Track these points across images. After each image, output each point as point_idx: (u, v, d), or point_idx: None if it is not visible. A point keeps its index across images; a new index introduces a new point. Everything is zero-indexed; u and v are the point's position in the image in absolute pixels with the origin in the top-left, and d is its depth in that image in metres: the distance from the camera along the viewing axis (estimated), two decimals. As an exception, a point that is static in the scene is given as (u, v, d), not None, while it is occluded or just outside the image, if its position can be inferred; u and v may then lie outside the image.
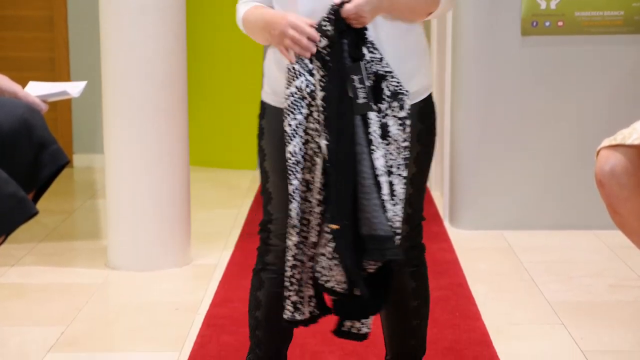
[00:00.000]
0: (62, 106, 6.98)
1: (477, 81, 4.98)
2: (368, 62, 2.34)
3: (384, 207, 2.32)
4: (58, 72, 6.95)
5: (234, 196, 6.04)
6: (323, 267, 2.37)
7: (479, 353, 3.26)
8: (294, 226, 2.39)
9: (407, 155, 2.39)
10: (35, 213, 2.02)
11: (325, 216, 2.36)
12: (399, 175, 2.38)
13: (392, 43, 2.41)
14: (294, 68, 2.34)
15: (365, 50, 2.33)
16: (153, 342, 3.43)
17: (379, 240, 2.31)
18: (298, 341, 3.09)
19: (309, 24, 2.34)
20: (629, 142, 2.27)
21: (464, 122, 5.04)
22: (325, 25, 2.31)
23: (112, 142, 4.32)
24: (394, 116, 2.37)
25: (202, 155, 7.04)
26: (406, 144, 2.38)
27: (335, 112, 2.31)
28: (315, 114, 2.33)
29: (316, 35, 2.33)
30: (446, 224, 5.18)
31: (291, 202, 2.37)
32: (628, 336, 3.46)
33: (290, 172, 2.36)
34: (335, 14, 2.31)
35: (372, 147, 2.33)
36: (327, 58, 2.31)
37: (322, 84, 2.32)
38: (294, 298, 2.45)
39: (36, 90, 2.27)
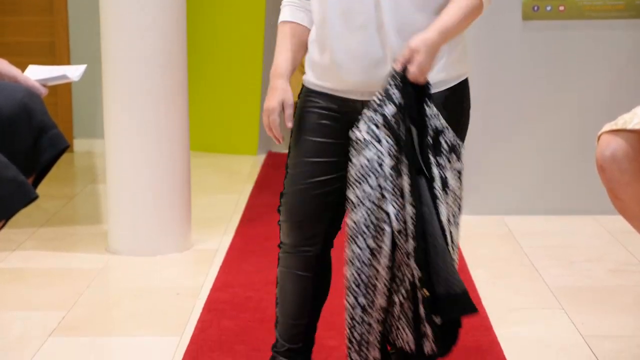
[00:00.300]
0: (62, 90, 6.96)
1: (478, 66, 4.96)
2: (428, 118, 2.37)
3: (454, 267, 2.38)
4: (58, 56, 6.94)
5: (234, 181, 6.03)
6: (392, 329, 2.46)
7: (479, 338, 3.27)
8: (350, 288, 2.43)
9: (461, 204, 2.48)
10: (35, 197, 2.02)
11: (402, 280, 2.40)
12: (456, 223, 2.48)
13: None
14: (363, 139, 2.35)
15: (427, 108, 2.37)
16: (154, 327, 3.43)
17: (458, 298, 2.36)
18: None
19: (285, 107, 2.51)
20: (630, 126, 2.27)
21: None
22: (390, 90, 2.33)
23: (112, 126, 4.31)
24: (453, 168, 2.44)
25: (203, 141, 7.03)
26: (461, 192, 2.47)
27: (410, 181, 2.33)
28: (382, 183, 2.35)
29: (279, 137, 2.50)
30: (447, 209, 5.17)
31: (349, 267, 2.42)
32: (629, 321, 3.46)
33: (350, 240, 2.40)
34: (401, 79, 2.32)
35: (438, 203, 2.37)
36: (396, 126, 2.33)
37: (390, 152, 2.34)
38: (355, 356, 2.50)
39: (36, 74, 2.27)
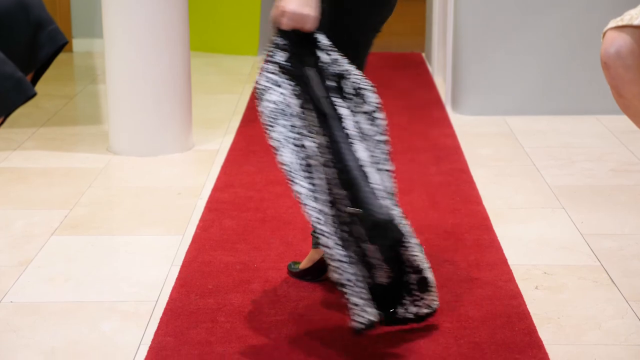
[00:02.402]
0: (60, -10, 6.88)
1: (481, -36, 4.89)
2: (324, 64, 2.46)
3: (375, 195, 2.39)
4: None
5: (235, 82, 6.00)
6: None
7: (479, 236, 3.29)
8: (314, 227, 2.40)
9: (386, 150, 2.48)
10: (34, 94, 2.00)
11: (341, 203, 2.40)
12: (386, 170, 2.47)
13: None
14: (264, 86, 2.45)
15: (322, 54, 2.46)
16: (156, 226, 3.46)
17: (381, 226, 2.38)
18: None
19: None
20: (635, 22, 2.23)
21: (467, 6, 4.96)
22: (276, 40, 2.45)
23: (111, 26, 4.26)
24: (362, 112, 2.48)
25: (203, 41, 6.98)
26: (382, 137, 2.48)
27: (315, 116, 2.42)
28: (295, 121, 2.43)
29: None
30: (448, 109, 5.16)
31: (304, 205, 2.39)
32: (628, 220, 3.48)
33: (290, 182, 2.41)
34: (279, 31, 2.46)
35: (350, 141, 2.41)
36: (292, 69, 2.44)
37: (295, 93, 2.44)
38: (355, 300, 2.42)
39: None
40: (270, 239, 3.29)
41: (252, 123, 4.86)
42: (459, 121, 4.93)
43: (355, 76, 2.49)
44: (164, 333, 2.60)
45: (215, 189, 3.82)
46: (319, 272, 2.90)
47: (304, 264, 2.92)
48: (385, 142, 2.49)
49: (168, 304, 2.78)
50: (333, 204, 2.40)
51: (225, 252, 3.16)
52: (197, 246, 3.22)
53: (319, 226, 2.38)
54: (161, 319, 2.69)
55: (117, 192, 3.92)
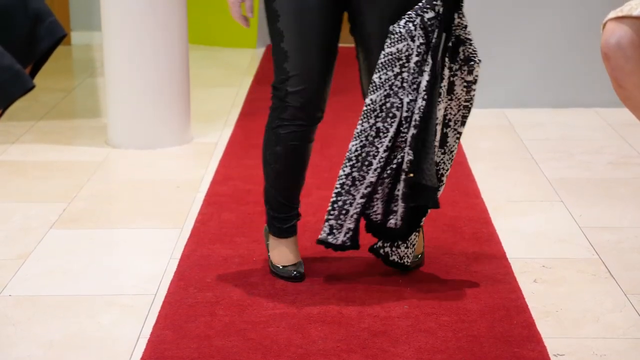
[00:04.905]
0: (58, -17, 6.87)
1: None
2: (455, 26, 2.65)
3: (432, 162, 2.68)
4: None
5: (233, 74, 6.00)
6: (375, 199, 2.75)
7: (478, 230, 3.29)
8: (349, 159, 2.70)
9: (466, 114, 2.73)
10: (32, 87, 1.99)
11: (392, 162, 2.70)
12: (455, 130, 2.74)
13: None
14: (399, 32, 2.61)
15: (458, 18, 2.65)
16: (155, 219, 3.46)
17: (428, 190, 2.68)
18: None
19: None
20: (635, 13, 2.22)
21: (466, -2, 4.95)
22: (435, 0, 2.61)
23: (110, 19, 4.26)
24: (462, 78, 2.69)
25: (202, 34, 6.97)
26: (467, 104, 2.73)
27: (428, 78, 2.61)
28: (405, 74, 2.63)
29: (243, 24, 2.77)
30: (447, 102, 5.16)
31: (354, 140, 2.69)
32: (626, 213, 3.48)
33: (363, 116, 2.67)
34: None
35: (438, 100, 2.64)
36: (430, 29, 2.60)
37: (419, 50, 2.61)
38: (332, 222, 2.78)
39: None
40: (269, 232, 3.28)
41: (250, 116, 4.86)
42: (457, 114, 4.92)
43: (472, 47, 2.68)
44: (163, 326, 2.60)
45: (214, 182, 3.82)
46: None
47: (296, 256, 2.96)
48: (468, 109, 2.74)
49: (167, 297, 2.78)
50: (388, 149, 2.68)
51: (224, 246, 3.16)
52: (195, 239, 3.22)
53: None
54: (160, 312, 2.69)
55: (116, 185, 3.91)
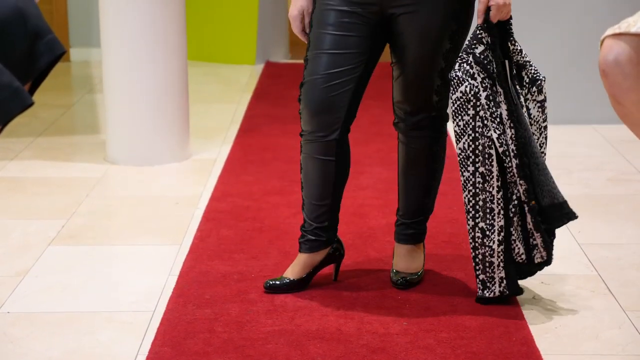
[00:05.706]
0: (57, -1, 6.88)
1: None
2: (512, 53, 2.71)
3: (548, 179, 2.73)
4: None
5: (232, 91, 6.00)
6: (513, 242, 2.75)
7: (477, 246, 3.28)
8: (468, 211, 2.74)
9: (546, 134, 2.79)
10: (31, 104, 2.00)
11: (511, 199, 2.71)
12: (543, 153, 2.79)
13: None
14: (457, 76, 2.66)
15: (511, 44, 2.71)
16: (153, 236, 3.45)
17: (562, 206, 2.73)
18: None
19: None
20: (633, 30, 2.23)
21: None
22: (480, 34, 2.66)
23: (109, 35, 4.27)
24: (534, 100, 2.75)
25: (201, 50, 6.98)
26: (545, 124, 2.77)
27: (506, 107, 2.66)
28: (481, 112, 2.66)
29: (305, 41, 2.82)
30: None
31: (464, 191, 2.73)
32: (625, 229, 3.48)
33: (461, 166, 2.72)
34: (486, 21, 2.65)
35: (526, 122, 2.69)
36: (485, 61, 2.65)
37: (484, 84, 2.66)
38: (482, 277, 2.78)
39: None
40: (268, 249, 3.28)
41: (249, 132, 4.86)
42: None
43: (533, 67, 2.74)
44: (161, 343, 2.59)
45: (213, 199, 3.82)
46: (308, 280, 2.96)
47: (298, 272, 2.92)
48: (546, 128, 2.78)
49: (165, 314, 2.78)
50: (501, 189, 2.70)
51: (222, 262, 3.16)
52: (194, 256, 3.22)
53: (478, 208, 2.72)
54: (158, 329, 2.68)
55: (115, 201, 3.91)
